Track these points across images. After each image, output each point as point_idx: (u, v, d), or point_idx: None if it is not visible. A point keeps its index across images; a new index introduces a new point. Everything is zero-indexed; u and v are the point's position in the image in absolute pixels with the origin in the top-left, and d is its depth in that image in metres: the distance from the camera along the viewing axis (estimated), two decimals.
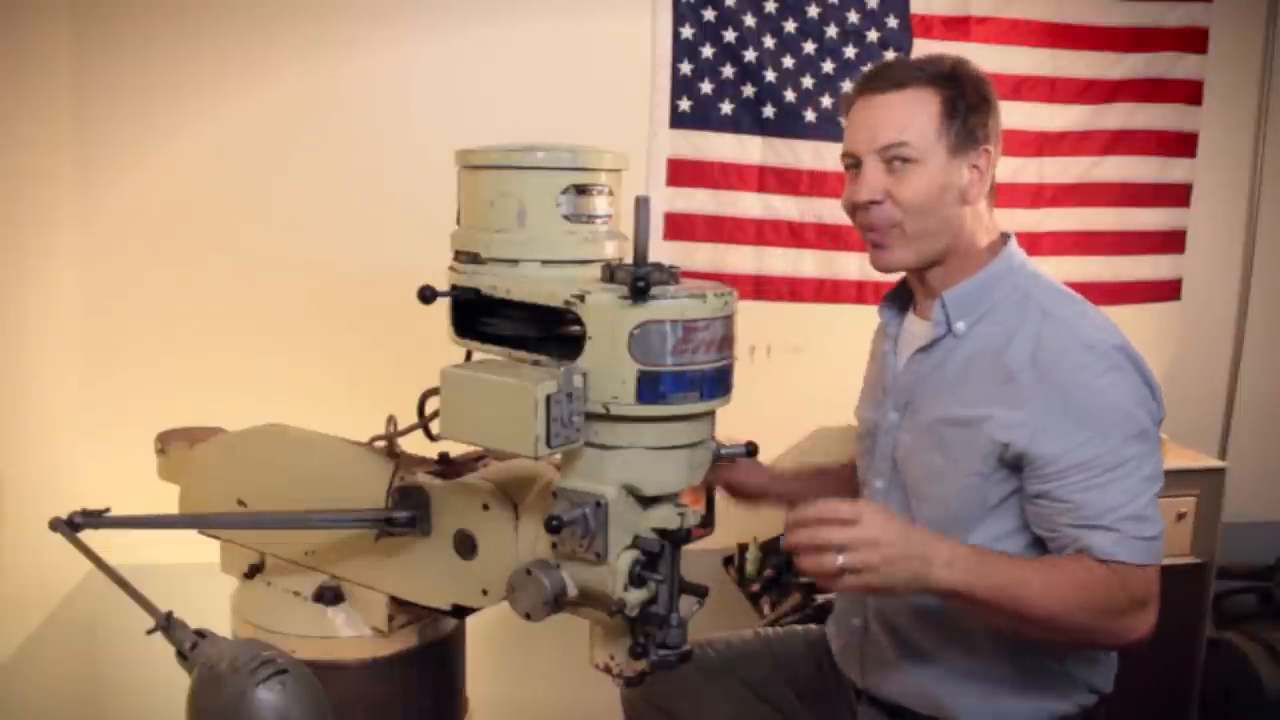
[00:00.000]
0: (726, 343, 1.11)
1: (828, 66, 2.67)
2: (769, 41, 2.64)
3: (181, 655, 1.16)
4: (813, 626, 1.83)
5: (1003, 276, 1.49)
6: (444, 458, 1.37)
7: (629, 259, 1.08)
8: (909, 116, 1.45)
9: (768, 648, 1.76)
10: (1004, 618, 1.34)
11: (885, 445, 1.56)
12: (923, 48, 2.68)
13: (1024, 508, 1.43)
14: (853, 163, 1.51)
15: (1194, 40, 2.91)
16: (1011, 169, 2.79)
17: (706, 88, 2.61)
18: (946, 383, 1.48)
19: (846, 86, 2.67)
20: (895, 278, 1.64)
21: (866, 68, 2.65)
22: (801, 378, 2.71)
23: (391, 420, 1.34)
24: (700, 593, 1.19)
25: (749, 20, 2.61)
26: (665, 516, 1.14)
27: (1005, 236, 1.54)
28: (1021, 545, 1.44)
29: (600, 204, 1.16)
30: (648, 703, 1.73)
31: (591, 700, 1.89)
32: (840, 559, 1.22)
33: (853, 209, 1.52)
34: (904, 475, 1.53)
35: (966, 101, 1.46)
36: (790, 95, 2.65)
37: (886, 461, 1.55)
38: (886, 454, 1.55)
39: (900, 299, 1.63)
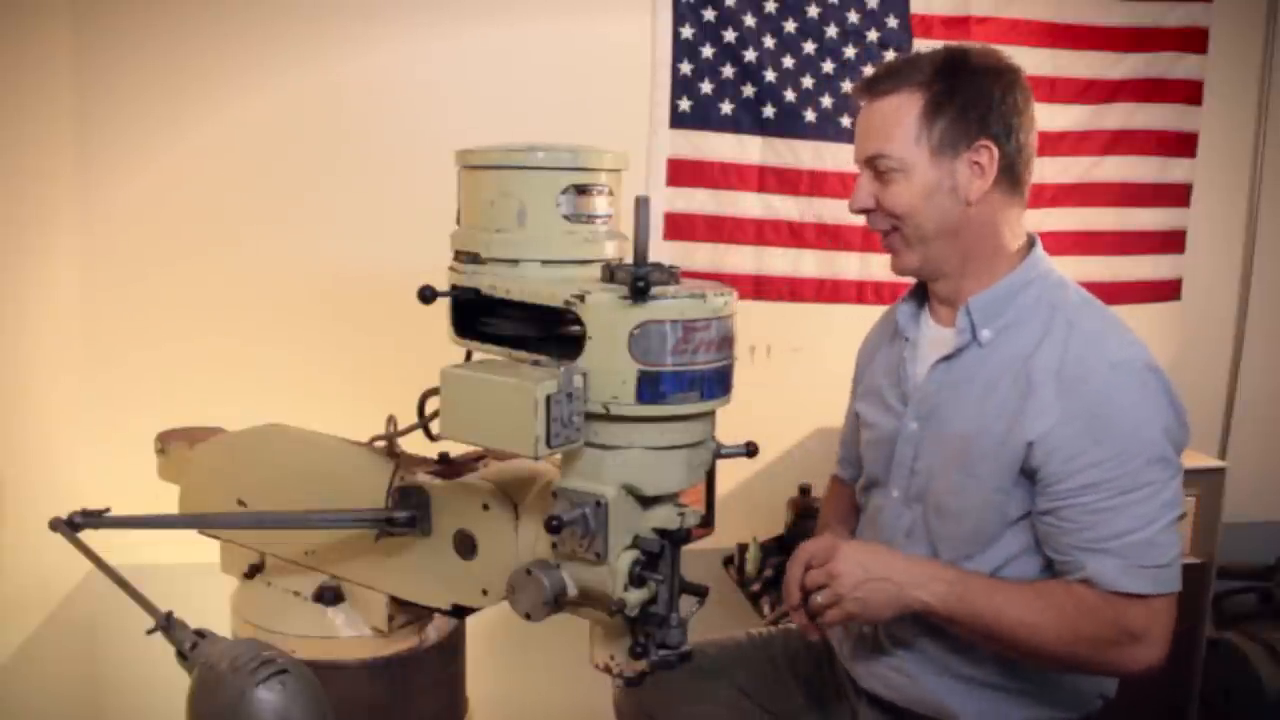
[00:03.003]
0: (726, 343, 1.11)
1: (828, 66, 2.67)
2: (769, 41, 2.64)
3: (181, 655, 1.15)
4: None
5: (1028, 284, 1.45)
6: (444, 458, 1.37)
7: (629, 259, 1.08)
8: (889, 126, 1.43)
9: (763, 650, 1.75)
10: (987, 641, 1.38)
11: (904, 454, 1.51)
12: (922, 48, 2.68)
13: (1035, 526, 1.41)
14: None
15: (1194, 40, 2.91)
16: None
17: (706, 88, 2.61)
18: (972, 396, 1.44)
19: (847, 86, 2.68)
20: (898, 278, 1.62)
21: (866, 68, 2.68)
22: (801, 378, 2.71)
23: (391, 420, 1.34)
24: (700, 593, 1.19)
25: (749, 20, 2.61)
26: (665, 516, 1.14)
27: (1031, 241, 1.50)
28: (1037, 565, 1.43)
29: (600, 204, 1.16)
30: (640, 708, 1.71)
31: (591, 700, 1.89)
32: (818, 597, 1.37)
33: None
34: (923, 487, 1.49)
35: (961, 98, 1.40)
36: (790, 95, 2.65)
37: (904, 470, 1.51)
38: (905, 463, 1.51)
39: (917, 300, 1.59)
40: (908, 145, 1.41)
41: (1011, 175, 1.44)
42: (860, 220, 1.56)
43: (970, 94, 1.41)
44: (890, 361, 1.61)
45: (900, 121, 1.42)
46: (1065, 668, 1.42)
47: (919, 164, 1.42)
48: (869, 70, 2.62)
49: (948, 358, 1.48)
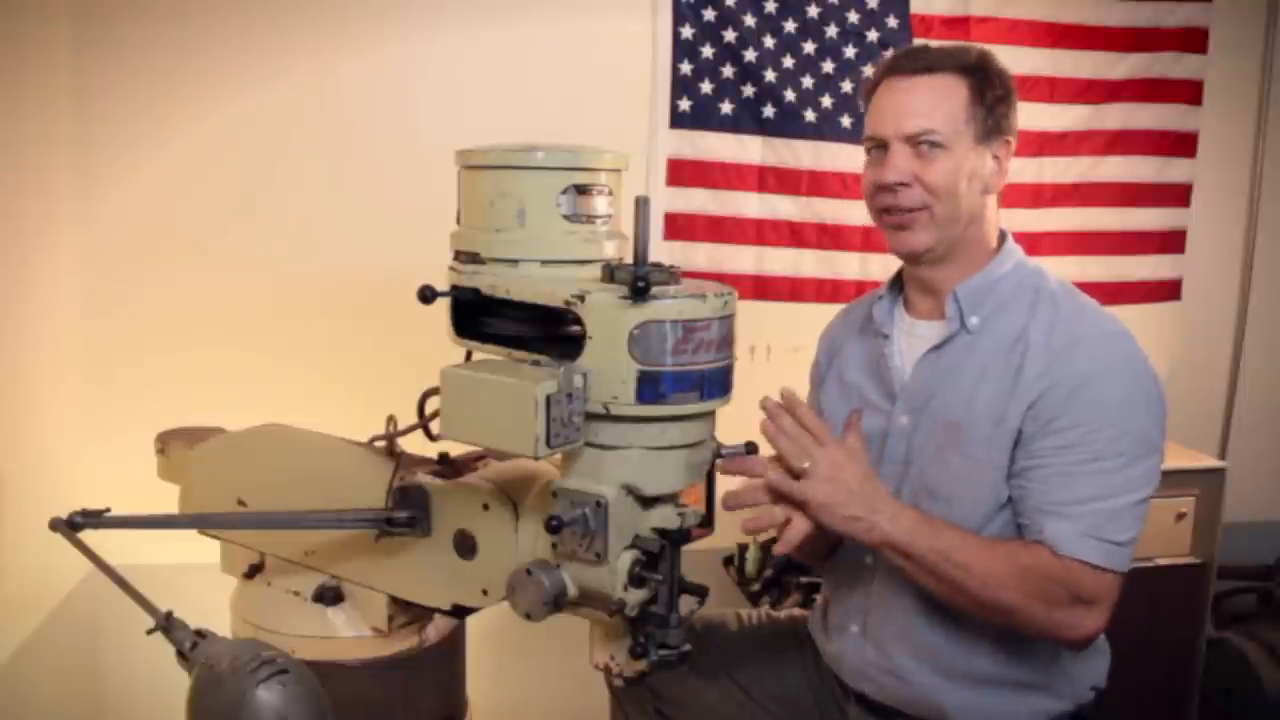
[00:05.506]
0: (726, 343, 1.11)
1: (828, 66, 2.67)
2: (769, 41, 2.63)
3: (181, 655, 1.16)
4: (797, 613, 1.82)
5: (1010, 271, 1.51)
6: (444, 458, 1.37)
7: (629, 259, 1.08)
8: (937, 102, 1.45)
9: (750, 642, 1.74)
10: (938, 582, 1.37)
11: (895, 451, 1.52)
12: None
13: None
14: (876, 145, 1.50)
15: (1194, 40, 2.91)
16: (1011, 169, 2.78)
17: (706, 88, 2.61)
18: (966, 381, 1.47)
19: (847, 86, 2.68)
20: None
21: (866, 68, 2.67)
22: (801, 378, 2.70)
23: (391, 420, 1.35)
24: (700, 593, 1.19)
25: (749, 20, 2.61)
26: (665, 516, 1.14)
27: (1003, 235, 1.56)
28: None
29: (600, 204, 1.17)
30: (638, 697, 1.71)
31: (591, 700, 1.89)
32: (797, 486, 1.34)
33: (875, 191, 1.50)
34: (919, 478, 1.49)
35: (993, 92, 1.47)
36: (790, 95, 2.65)
37: (897, 466, 1.52)
38: (897, 459, 1.52)
39: (892, 296, 1.62)
40: (956, 125, 1.45)
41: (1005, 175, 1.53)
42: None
43: (1001, 92, 1.49)
44: (868, 358, 1.62)
45: (947, 100, 1.46)
46: (1012, 625, 1.40)
47: (962, 146, 1.46)
48: (869, 70, 2.62)
49: (937, 347, 1.51)
